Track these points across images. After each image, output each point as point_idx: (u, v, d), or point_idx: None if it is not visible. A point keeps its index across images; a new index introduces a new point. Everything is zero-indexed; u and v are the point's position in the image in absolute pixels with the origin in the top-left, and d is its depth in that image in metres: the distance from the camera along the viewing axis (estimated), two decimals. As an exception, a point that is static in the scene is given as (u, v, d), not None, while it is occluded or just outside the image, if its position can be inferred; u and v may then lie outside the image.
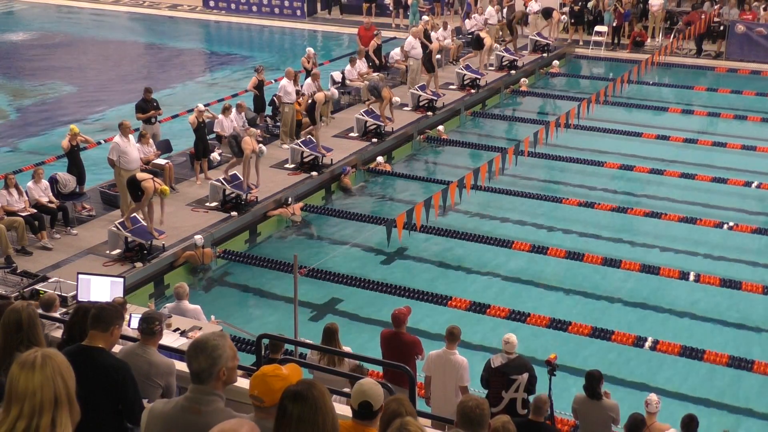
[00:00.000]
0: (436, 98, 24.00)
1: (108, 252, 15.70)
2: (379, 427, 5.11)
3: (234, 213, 17.42)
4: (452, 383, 10.17)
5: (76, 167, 17.49)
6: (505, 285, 15.99)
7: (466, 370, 10.17)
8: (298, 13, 37.00)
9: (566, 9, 32.65)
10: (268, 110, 22.61)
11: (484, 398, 5.92)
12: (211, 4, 38.50)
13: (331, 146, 20.62)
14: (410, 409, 5.25)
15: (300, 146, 19.95)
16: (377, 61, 25.99)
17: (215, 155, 19.53)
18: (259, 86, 21.97)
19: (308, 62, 24.09)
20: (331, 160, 20.14)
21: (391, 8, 35.08)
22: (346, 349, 10.62)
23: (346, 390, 8.87)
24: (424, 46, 25.54)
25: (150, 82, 21.94)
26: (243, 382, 6.07)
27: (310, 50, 24.73)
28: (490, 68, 27.81)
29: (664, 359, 13.37)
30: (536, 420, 8.92)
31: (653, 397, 9.90)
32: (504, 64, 28.17)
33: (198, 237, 16.18)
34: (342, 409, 5.29)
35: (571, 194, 19.36)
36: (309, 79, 21.93)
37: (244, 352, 12.94)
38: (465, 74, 26.13)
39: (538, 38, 30.13)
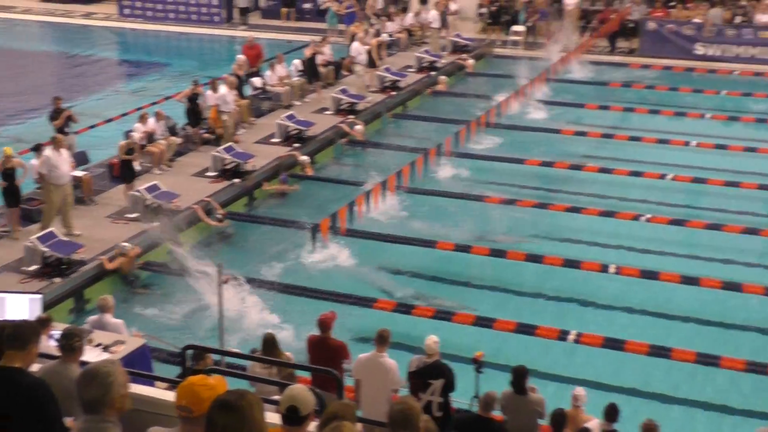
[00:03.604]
0: (358, 100, 24.08)
1: (24, 268, 15.35)
2: (318, 427, 5.16)
3: (156, 224, 17.24)
4: (382, 386, 10.18)
5: (11, 191, 16.53)
6: (430, 284, 16.11)
7: (397, 373, 10.22)
8: (216, 19, 36.68)
9: (485, 9, 33.13)
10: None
11: (415, 400, 5.97)
12: (126, 12, 37.89)
13: (253, 152, 20.52)
14: (352, 415, 5.33)
15: (221, 153, 19.82)
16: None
17: (135, 165, 19.27)
18: (193, 98, 21.63)
19: (240, 69, 23.88)
20: (254, 166, 20.04)
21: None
22: (288, 355, 10.62)
23: (276, 398, 8.87)
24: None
25: (66, 92, 21.54)
26: (167, 395, 6.03)
27: (241, 57, 24.53)
28: (410, 70, 28.01)
29: (587, 351, 13.63)
30: (485, 416, 9.03)
31: (580, 391, 10.09)
32: (424, 65, 28.40)
33: (125, 244, 15.94)
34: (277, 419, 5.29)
35: (493, 192, 19.58)
36: (225, 87, 21.70)
37: (169, 364, 12.81)
38: (386, 77, 26.28)
39: (457, 39, 30.46)
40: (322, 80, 25.54)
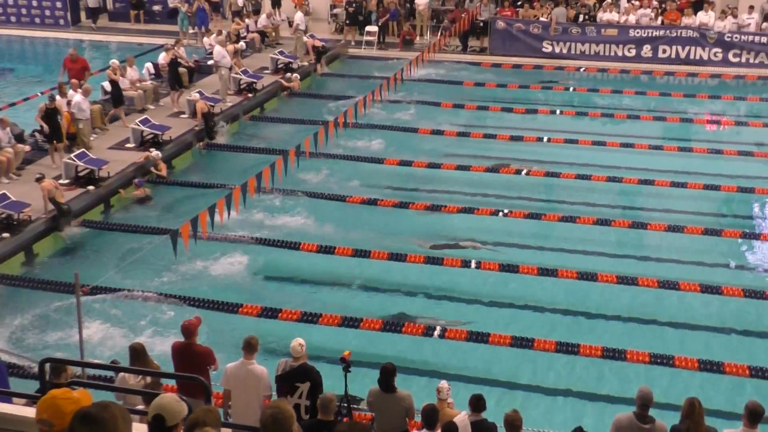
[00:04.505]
0: (214, 103, 23.74)
1: None
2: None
3: (6, 234, 16.56)
4: (254, 394, 10.05)
5: None
6: (294, 286, 16.04)
7: (268, 379, 10.11)
8: (62, 22, 35.40)
9: (338, 10, 33.34)
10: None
11: (287, 404, 5.94)
12: (-36, 14, 36.07)
13: (107, 158, 19.94)
14: (215, 421, 5.25)
15: (74, 160, 19.18)
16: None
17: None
18: (52, 114, 20.04)
19: (114, 74, 23.00)
20: (108, 173, 19.49)
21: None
22: (156, 364, 10.35)
23: (140, 407, 8.64)
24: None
25: None
26: (27, 411, 5.79)
27: (115, 62, 23.65)
28: (266, 71, 27.86)
29: (452, 345, 13.87)
30: (325, 419, 9.02)
31: (443, 384, 10.22)
32: (279, 66, 28.29)
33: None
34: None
35: (355, 192, 19.67)
36: (80, 94, 20.86)
37: (27, 378, 12.31)
38: (241, 78, 26.02)
39: (311, 40, 30.46)
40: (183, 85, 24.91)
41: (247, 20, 31.37)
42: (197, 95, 23.11)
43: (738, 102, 27.00)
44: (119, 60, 25.03)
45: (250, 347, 10.11)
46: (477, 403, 9.64)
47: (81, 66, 24.02)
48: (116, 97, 22.79)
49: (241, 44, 28.14)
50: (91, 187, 18.88)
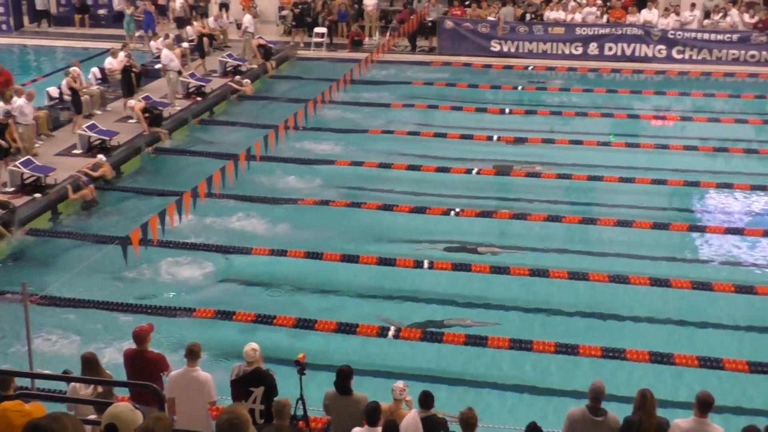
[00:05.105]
0: (162, 108, 23.54)
1: None
2: None
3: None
4: (199, 400, 9.99)
5: None
6: (245, 290, 15.95)
7: (213, 386, 10.06)
8: (4, 27, 34.83)
9: (286, 12, 33.28)
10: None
11: (241, 408, 5.93)
12: None
13: (54, 165, 19.67)
14: (165, 428, 5.22)
15: (19, 167, 18.88)
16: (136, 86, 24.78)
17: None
18: (4, 129, 19.73)
19: (75, 81, 22.58)
20: (55, 180, 19.22)
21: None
22: (108, 374, 10.24)
23: (92, 417, 8.55)
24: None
25: None
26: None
27: (75, 69, 23.21)
28: (215, 75, 27.70)
29: (407, 345, 13.90)
30: (280, 424, 9.00)
31: (398, 384, 10.25)
32: (228, 69, 28.13)
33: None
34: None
35: (306, 194, 19.63)
36: (23, 99, 20.49)
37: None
38: (190, 82, 25.83)
39: (260, 41, 30.35)
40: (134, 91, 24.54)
41: (195, 23, 31.13)
42: (132, 102, 22.91)
43: (683, 97, 27.43)
44: (66, 66, 24.67)
45: (192, 354, 10.08)
46: (425, 400, 9.71)
47: (5, 78, 23.19)
48: (76, 103, 22.48)
49: (185, 45, 27.85)
50: (37, 195, 18.60)
